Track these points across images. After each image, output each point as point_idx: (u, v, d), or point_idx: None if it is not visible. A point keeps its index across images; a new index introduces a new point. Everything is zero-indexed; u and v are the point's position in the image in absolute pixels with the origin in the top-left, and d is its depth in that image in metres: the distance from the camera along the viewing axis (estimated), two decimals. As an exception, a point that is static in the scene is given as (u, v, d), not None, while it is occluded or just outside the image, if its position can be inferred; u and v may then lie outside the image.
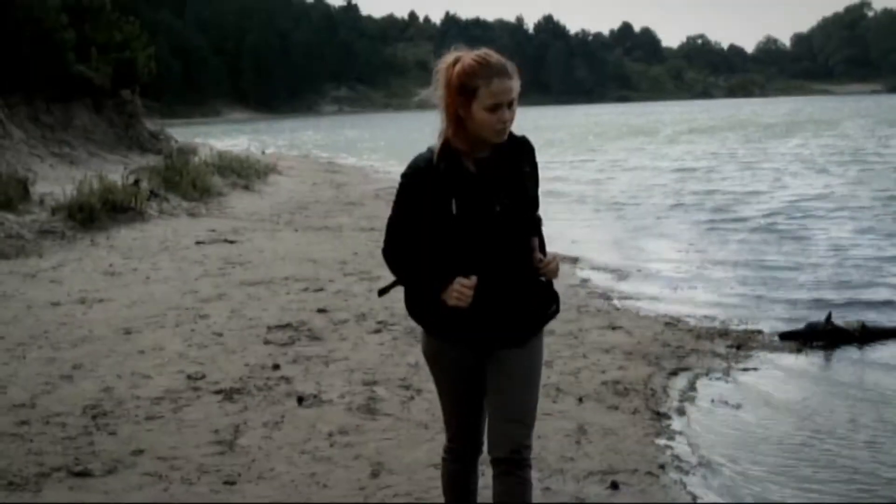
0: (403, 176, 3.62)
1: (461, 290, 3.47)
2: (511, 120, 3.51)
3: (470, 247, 3.53)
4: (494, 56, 3.49)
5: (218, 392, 6.84)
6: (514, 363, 3.68)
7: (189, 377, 7.20)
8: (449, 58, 3.52)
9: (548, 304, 3.74)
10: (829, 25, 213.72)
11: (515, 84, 3.49)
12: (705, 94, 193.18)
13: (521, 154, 3.66)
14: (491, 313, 3.58)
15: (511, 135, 3.61)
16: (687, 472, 5.61)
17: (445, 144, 3.55)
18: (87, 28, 26.66)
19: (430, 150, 3.59)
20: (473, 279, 3.48)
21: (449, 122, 3.53)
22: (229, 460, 5.57)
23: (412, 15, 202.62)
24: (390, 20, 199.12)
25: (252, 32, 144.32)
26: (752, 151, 36.89)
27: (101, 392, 6.83)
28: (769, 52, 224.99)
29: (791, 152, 35.54)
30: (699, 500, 5.22)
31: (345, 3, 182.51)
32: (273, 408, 6.51)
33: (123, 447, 5.75)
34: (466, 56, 3.49)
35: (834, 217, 17.61)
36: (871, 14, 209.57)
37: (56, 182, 17.66)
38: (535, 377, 3.76)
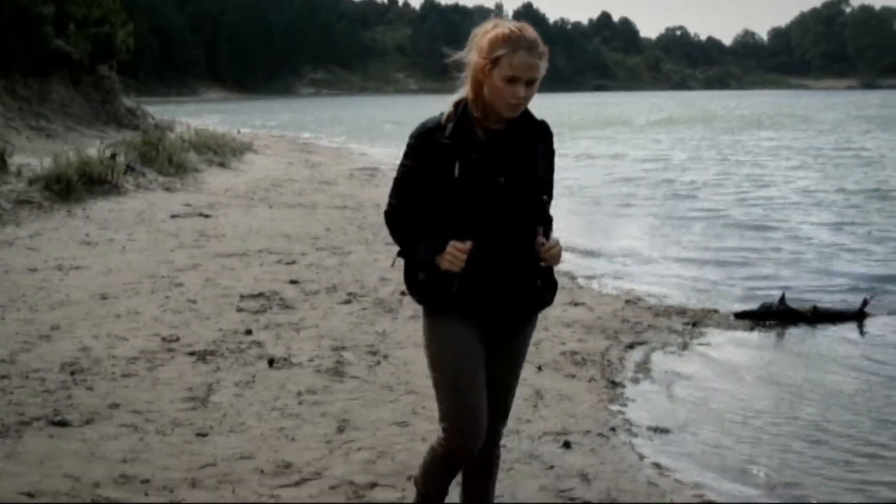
0: (411, 136, 3.57)
1: (454, 252, 3.43)
2: (527, 98, 3.46)
3: (470, 214, 3.47)
4: (530, 31, 3.44)
5: (191, 354, 7.10)
6: (505, 356, 3.70)
7: (164, 339, 7.46)
8: (488, 24, 3.50)
9: (545, 290, 3.69)
10: (807, 20, 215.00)
11: (541, 65, 3.44)
12: (682, 85, 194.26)
13: (537, 135, 3.62)
14: (486, 286, 3.53)
15: (531, 116, 3.61)
16: (636, 435, 5.94)
17: (461, 106, 3.54)
18: (66, 3, 26.71)
19: (442, 113, 3.57)
20: (468, 244, 3.43)
21: (470, 85, 3.51)
22: (202, 415, 5.84)
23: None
24: (370, 4, 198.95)
25: (230, 12, 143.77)
26: (721, 143, 37.31)
27: (79, 351, 7.08)
28: (746, 45, 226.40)
29: (760, 145, 35.99)
30: (646, 460, 5.53)
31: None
32: (245, 369, 6.79)
33: (100, 401, 6.01)
34: (503, 24, 3.46)
35: (796, 207, 18.03)
36: (848, 10, 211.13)
37: (33, 154, 17.85)
38: (521, 369, 3.82)
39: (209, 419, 5.76)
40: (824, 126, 49.91)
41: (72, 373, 6.55)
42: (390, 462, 5.17)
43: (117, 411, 5.84)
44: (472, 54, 3.50)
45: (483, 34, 3.47)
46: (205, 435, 5.50)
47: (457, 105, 3.56)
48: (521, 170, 3.53)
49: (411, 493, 4.71)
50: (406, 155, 3.58)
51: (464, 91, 3.55)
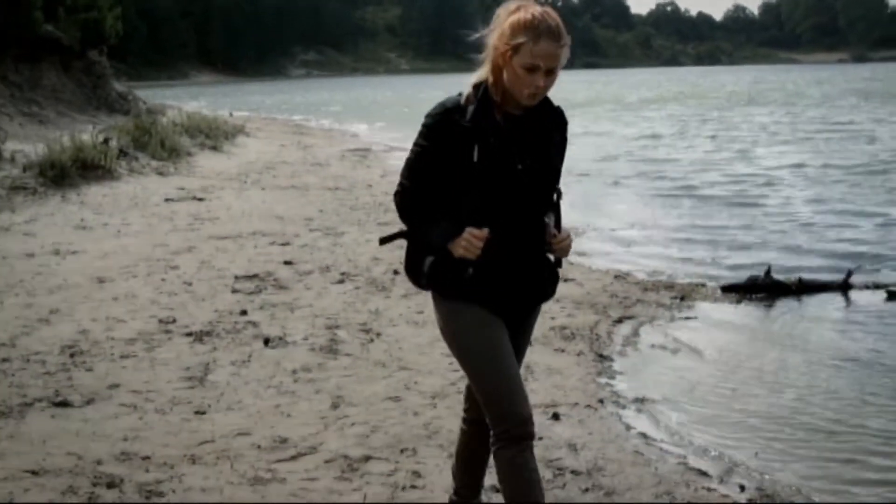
0: (429, 116, 3.45)
1: (470, 239, 3.35)
2: (546, 87, 3.39)
3: (486, 201, 3.39)
4: (553, 19, 3.36)
5: (188, 335, 7.25)
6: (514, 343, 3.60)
7: (161, 321, 7.61)
8: (512, 5, 3.40)
9: (550, 282, 3.66)
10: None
11: (563, 54, 3.38)
12: (673, 61, 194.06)
13: (554, 123, 3.56)
14: (497, 275, 3.45)
15: (549, 102, 3.54)
16: (623, 407, 6.10)
17: (482, 88, 3.44)
18: (55, -13, 26.68)
19: (460, 94, 3.47)
20: (485, 231, 3.35)
21: (491, 69, 3.42)
22: (200, 393, 5.99)
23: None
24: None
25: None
26: (711, 119, 37.42)
27: (78, 334, 7.22)
28: (737, 19, 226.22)
29: (749, 121, 36.09)
30: (633, 431, 5.69)
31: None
32: (241, 348, 6.94)
33: (100, 382, 6.15)
34: (528, 9, 3.36)
35: (783, 183, 18.15)
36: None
37: (26, 140, 17.92)
38: (523, 357, 3.76)
39: (207, 397, 5.91)
40: (813, 101, 50.02)
41: (71, 355, 6.70)
42: (383, 436, 5.32)
43: (117, 391, 5.99)
44: (493, 36, 3.41)
45: (506, 16, 3.38)
46: (203, 413, 5.65)
47: (476, 87, 3.46)
48: (537, 157, 3.48)
49: (404, 465, 4.91)
50: (422, 135, 3.46)
51: (482, 73, 3.46)
